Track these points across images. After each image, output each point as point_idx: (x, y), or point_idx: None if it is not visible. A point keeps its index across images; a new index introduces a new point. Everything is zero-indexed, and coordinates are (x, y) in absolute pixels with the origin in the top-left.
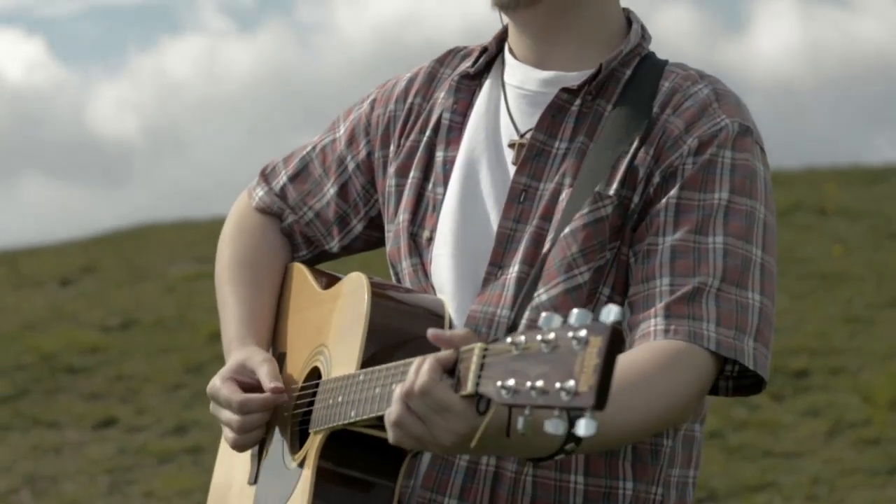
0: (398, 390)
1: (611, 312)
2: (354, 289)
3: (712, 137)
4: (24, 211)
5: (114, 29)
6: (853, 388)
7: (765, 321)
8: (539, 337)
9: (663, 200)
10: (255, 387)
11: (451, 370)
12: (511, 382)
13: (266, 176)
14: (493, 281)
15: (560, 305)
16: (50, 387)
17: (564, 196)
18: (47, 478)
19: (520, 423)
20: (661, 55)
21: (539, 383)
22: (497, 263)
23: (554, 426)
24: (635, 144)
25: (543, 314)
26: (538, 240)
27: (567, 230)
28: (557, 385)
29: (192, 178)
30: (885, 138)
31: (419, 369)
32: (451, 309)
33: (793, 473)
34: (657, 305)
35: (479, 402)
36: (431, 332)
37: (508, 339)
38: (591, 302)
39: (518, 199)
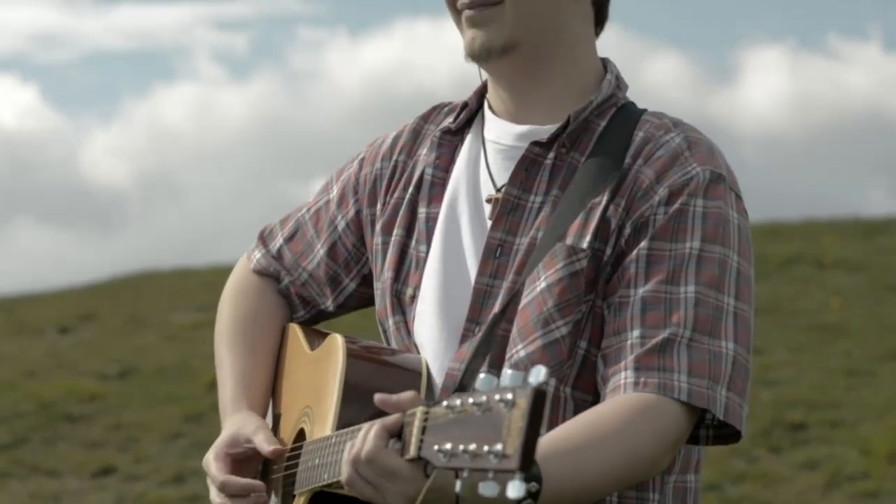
0: (346, 455)
1: (539, 373)
2: (332, 350)
3: (683, 186)
4: (18, 257)
5: (108, 76)
6: (852, 441)
7: (738, 370)
8: (471, 400)
9: (634, 252)
10: (250, 457)
11: (398, 434)
12: (448, 446)
13: (264, 238)
14: (470, 337)
15: (538, 361)
16: (49, 435)
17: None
18: None
19: (457, 485)
20: (649, 105)
21: (472, 446)
22: (474, 320)
23: (488, 489)
24: (607, 196)
25: (481, 376)
26: (513, 295)
27: (543, 285)
28: (486, 448)
29: (186, 225)
30: (879, 190)
31: (366, 436)
32: (433, 367)
33: None
34: (627, 358)
35: (427, 465)
36: (378, 398)
37: (445, 403)
38: (572, 357)
39: (494, 255)
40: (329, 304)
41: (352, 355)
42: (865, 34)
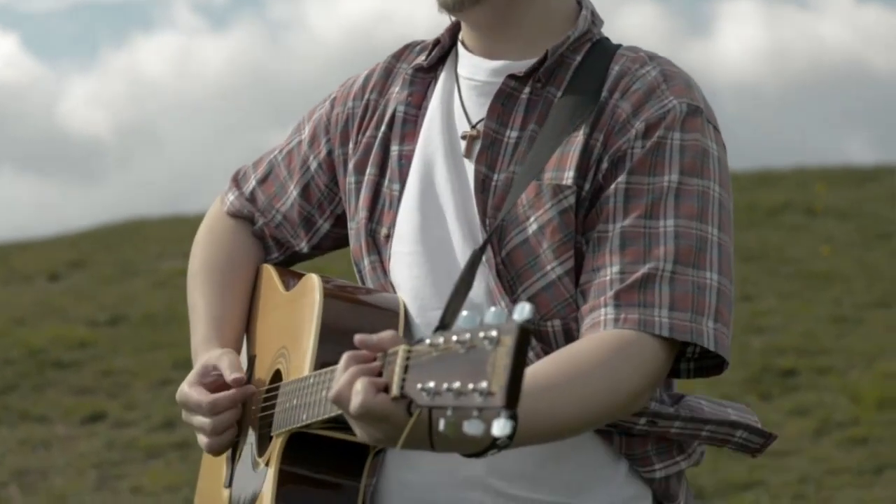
0: (331, 393)
1: (523, 310)
2: (308, 290)
3: (660, 120)
4: (3, 205)
5: (88, 25)
6: (841, 387)
7: (723, 301)
8: (455, 338)
9: (612, 186)
10: (222, 385)
11: (378, 375)
12: (431, 384)
13: (237, 181)
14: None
15: (542, 304)
16: (38, 382)
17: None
18: (36, 472)
19: (440, 424)
20: None
21: (456, 384)
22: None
23: (472, 427)
24: (584, 130)
25: (464, 313)
26: (494, 231)
27: (535, 227)
28: (471, 386)
29: (165, 175)
30: (857, 140)
31: (350, 382)
32: (411, 306)
33: (780, 472)
34: (607, 294)
35: (410, 404)
36: (358, 338)
37: (428, 341)
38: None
39: (480, 189)
40: (303, 246)
41: (328, 295)
42: None
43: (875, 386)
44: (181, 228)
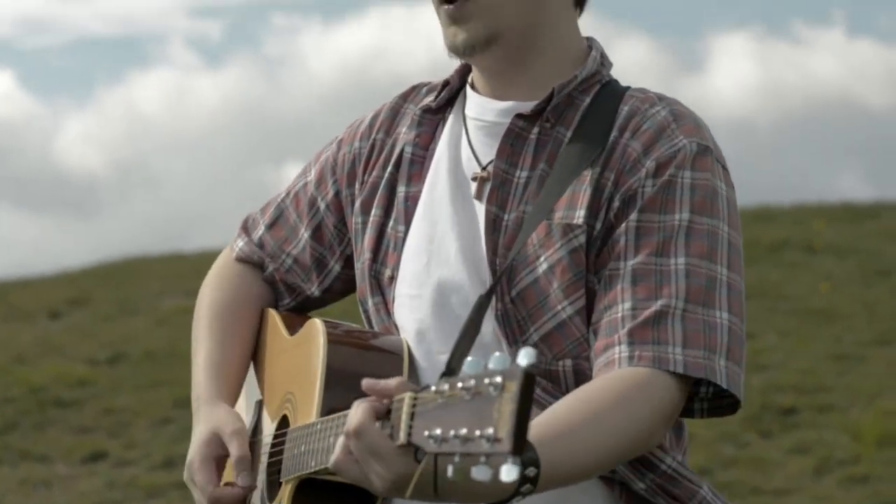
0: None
1: (528, 355)
2: (312, 335)
3: (670, 158)
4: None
5: (85, 62)
6: (841, 425)
7: (735, 340)
8: (461, 384)
9: (624, 224)
10: (226, 460)
11: (385, 416)
12: (438, 431)
13: (246, 228)
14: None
15: (554, 344)
16: (39, 420)
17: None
18: None
19: (449, 470)
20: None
21: (462, 431)
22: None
23: (480, 473)
24: (595, 170)
25: (469, 358)
26: (503, 271)
27: (545, 266)
28: (478, 432)
29: (161, 212)
30: (851, 175)
31: (354, 412)
32: (415, 348)
33: None
34: (620, 332)
35: (417, 451)
36: (365, 384)
37: (433, 388)
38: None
39: (491, 229)
40: (314, 290)
41: (332, 340)
42: (829, 20)
43: (876, 424)
44: (181, 266)
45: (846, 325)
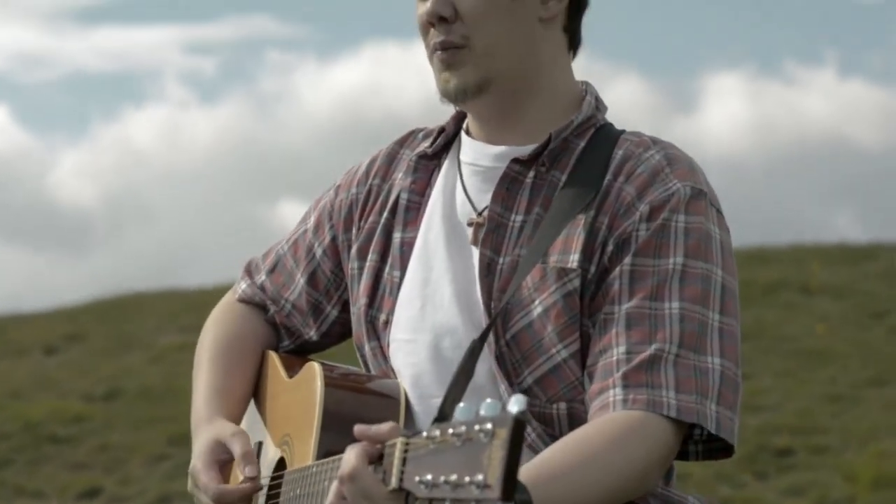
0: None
1: (518, 402)
2: (310, 378)
3: (664, 202)
4: None
5: (80, 97)
6: (837, 467)
7: (727, 385)
8: (451, 430)
9: (618, 268)
10: (231, 465)
11: (378, 460)
12: (429, 477)
13: (249, 271)
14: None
15: (548, 387)
16: (34, 456)
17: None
18: None
19: None
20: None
21: (453, 477)
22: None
23: None
24: (589, 213)
25: (461, 405)
26: (498, 314)
27: (539, 309)
28: (468, 479)
29: (155, 246)
30: (845, 216)
31: (348, 456)
32: (411, 392)
33: None
34: (615, 375)
35: (408, 496)
36: (357, 430)
37: (425, 433)
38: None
39: (485, 273)
40: (313, 334)
41: (329, 383)
42: (821, 60)
43: (871, 465)
44: (178, 302)
45: (842, 366)
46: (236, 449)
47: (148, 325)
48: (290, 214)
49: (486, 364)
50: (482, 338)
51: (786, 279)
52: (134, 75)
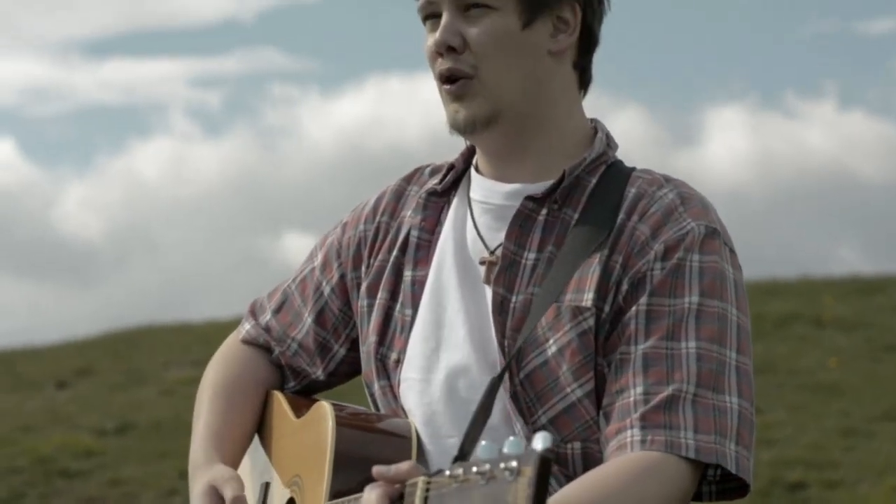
0: None
1: (544, 439)
2: (320, 418)
3: (679, 241)
4: (0, 311)
5: (86, 130)
6: (850, 501)
7: (744, 424)
8: (475, 469)
9: (633, 308)
10: None
11: (399, 500)
12: None
13: (253, 312)
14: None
15: (562, 427)
16: (45, 491)
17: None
18: None
19: None
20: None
21: None
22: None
23: None
24: (603, 252)
25: (482, 443)
26: (516, 354)
27: (554, 349)
28: None
29: (160, 279)
30: (849, 248)
31: (368, 497)
32: (422, 431)
33: None
34: (633, 416)
35: None
36: (375, 471)
37: (447, 472)
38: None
39: (499, 311)
40: (319, 373)
41: (340, 422)
42: (821, 92)
43: (884, 499)
44: (188, 336)
45: (855, 399)
46: (228, 494)
47: (159, 359)
48: (294, 247)
49: (500, 403)
50: (500, 376)
51: (797, 312)
52: (140, 108)
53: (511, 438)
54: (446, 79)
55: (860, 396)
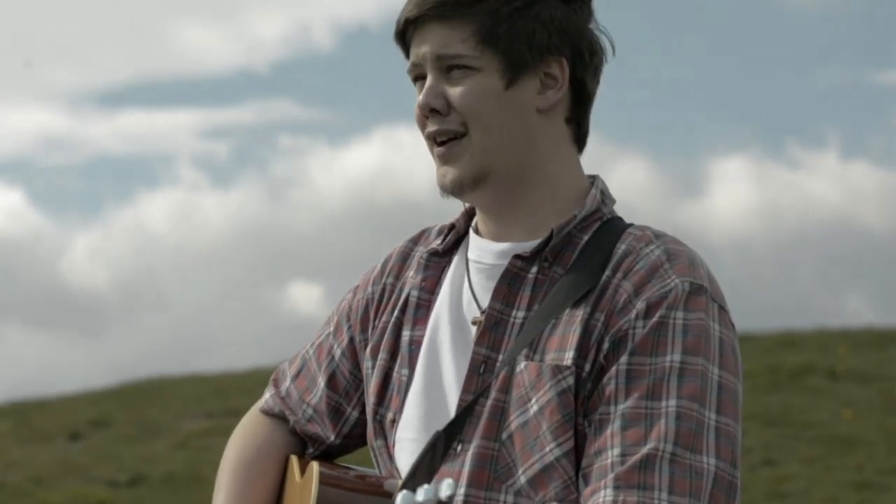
0: None
1: (447, 487)
2: (308, 477)
3: (661, 299)
4: (9, 360)
5: (95, 180)
6: None
7: (719, 486)
8: None
9: (614, 367)
10: None
11: None
12: None
13: (276, 381)
14: (452, 457)
15: (539, 486)
16: None
17: (521, 367)
18: None
19: None
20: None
21: None
22: (458, 437)
23: None
24: (585, 310)
25: (402, 493)
26: (496, 413)
27: (535, 408)
28: None
29: (168, 330)
30: (857, 299)
31: None
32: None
33: None
34: (607, 477)
35: None
36: None
37: None
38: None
39: (478, 371)
40: (332, 437)
41: (324, 481)
42: (824, 142)
43: None
44: (202, 387)
45: (868, 453)
46: None
47: (172, 411)
48: (301, 298)
49: (472, 458)
50: (447, 430)
51: (812, 364)
52: (148, 159)
53: (424, 487)
54: (437, 139)
55: (874, 449)
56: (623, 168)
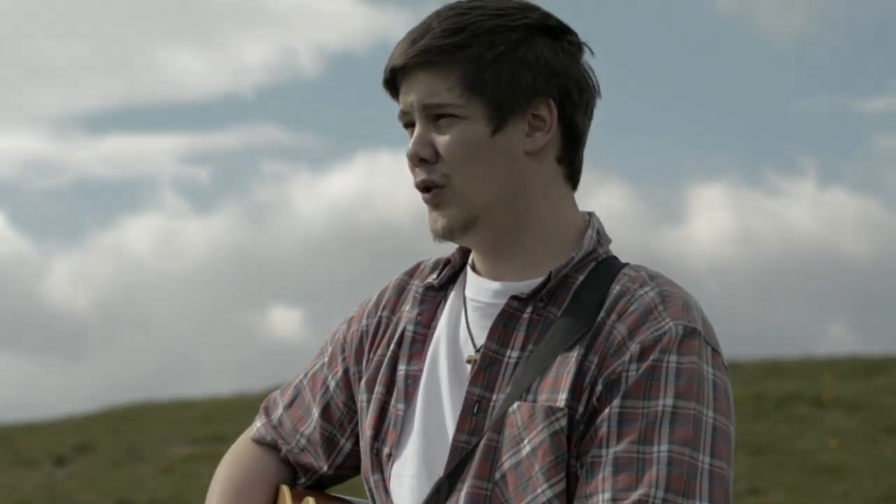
0: None
1: None
2: None
3: (655, 342)
4: None
5: (77, 204)
6: None
7: None
8: None
9: (606, 410)
10: None
11: None
12: None
13: (267, 409)
14: (446, 497)
15: None
16: None
17: (514, 407)
18: None
19: None
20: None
21: None
22: (451, 477)
23: None
24: (580, 351)
25: None
26: (489, 453)
27: (528, 449)
28: None
29: (149, 355)
30: (838, 327)
31: None
32: None
33: None
34: None
35: None
36: None
37: None
38: None
39: (472, 411)
40: (325, 468)
41: None
42: (802, 170)
43: None
44: (187, 413)
45: (854, 481)
46: None
47: (158, 436)
48: (283, 323)
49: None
50: (448, 476)
51: (798, 392)
52: (130, 183)
53: None
54: (422, 189)
55: (860, 478)
56: (603, 195)
